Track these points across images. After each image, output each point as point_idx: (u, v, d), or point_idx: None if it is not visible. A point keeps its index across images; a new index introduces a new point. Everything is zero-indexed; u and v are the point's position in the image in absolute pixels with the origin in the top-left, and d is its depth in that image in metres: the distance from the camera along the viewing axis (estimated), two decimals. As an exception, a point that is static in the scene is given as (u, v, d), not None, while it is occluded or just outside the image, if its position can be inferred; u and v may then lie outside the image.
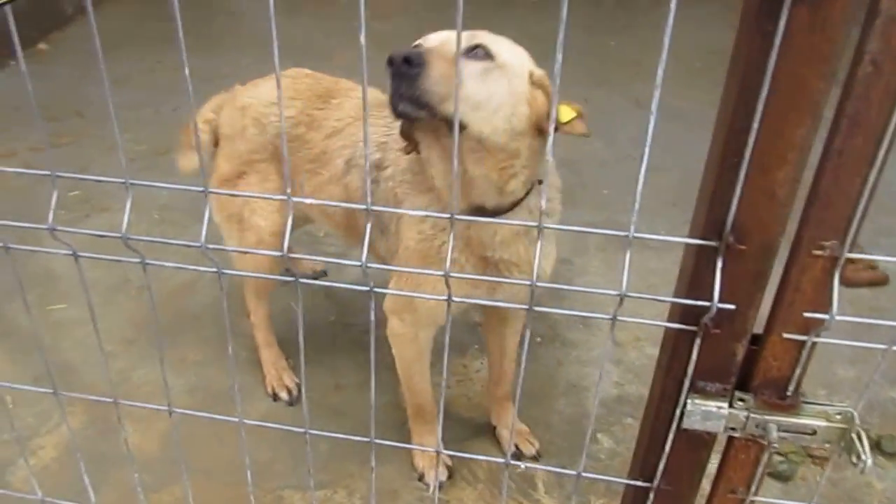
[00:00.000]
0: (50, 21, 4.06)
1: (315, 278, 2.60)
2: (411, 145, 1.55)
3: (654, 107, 0.82)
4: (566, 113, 1.48)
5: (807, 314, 1.00)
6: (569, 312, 1.06)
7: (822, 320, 0.99)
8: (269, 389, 2.18)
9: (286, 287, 2.54)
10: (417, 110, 1.32)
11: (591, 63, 4.04)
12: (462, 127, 1.37)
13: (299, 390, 2.17)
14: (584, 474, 1.28)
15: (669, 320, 1.10)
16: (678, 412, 1.14)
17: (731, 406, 1.12)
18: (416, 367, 1.86)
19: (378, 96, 1.90)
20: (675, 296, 1.11)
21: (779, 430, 1.15)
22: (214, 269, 1.12)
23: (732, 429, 1.17)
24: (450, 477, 1.96)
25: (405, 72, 1.29)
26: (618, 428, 2.11)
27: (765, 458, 1.21)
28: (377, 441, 1.32)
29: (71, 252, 1.10)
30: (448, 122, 1.34)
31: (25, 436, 2.01)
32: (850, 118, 0.89)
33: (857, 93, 0.87)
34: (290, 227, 0.95)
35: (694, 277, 1.01)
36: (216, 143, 2.01)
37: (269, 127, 1.91)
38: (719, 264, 0.97)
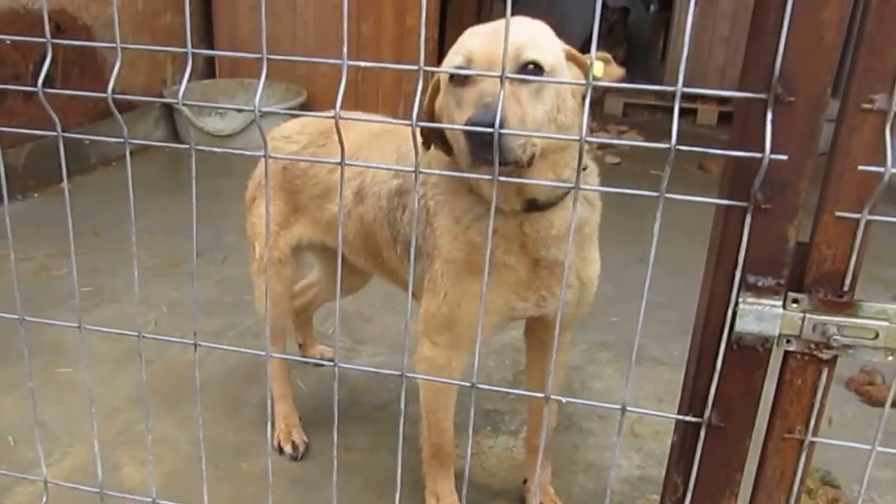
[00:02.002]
0: (75, 165, 4.27)
1: (322, 364, 2.55)
2: (431, 143, 1.53)
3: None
4: (599, 68, 1.44)
5: (862, 168, 1.00)
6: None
7: (878, 174, 0.97)
8: (276, 442, 2.07)
9: (298, 368, 2.50)
10: (503, 166, 1.30)
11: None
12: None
13: (306, 449, 2.10)
14: (629, 409, 1.21)
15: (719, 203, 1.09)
16: (730, 313, 1.10)
17: (784, 308, 1.08)
18: (443, 401, 1.72)
19: (380, 125, 1.91)
20: (724, 168, 1.11)
21: (838, 333, 1.11)
22: (262, 153, 1.15)
23: (787, 341, 1.12)
24: None
25: (487, 139, 1.22)
26: (642, 501, 2.02)
27: (822, 382, 1.15)
28: (408, 375, 1.26)
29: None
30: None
31: (24, 468, 1.93)
32: (893, -57, 0.92)
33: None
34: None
35: (744, 138, 1.02)
36: None
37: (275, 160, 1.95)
38: (769, 117, 0.97)
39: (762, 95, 0.97)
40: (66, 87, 4.09)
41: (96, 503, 1.68)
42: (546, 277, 1.56)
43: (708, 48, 7.00)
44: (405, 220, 1.68)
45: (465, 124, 1.26)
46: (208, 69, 5.58)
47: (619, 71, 1.46)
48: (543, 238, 1.50)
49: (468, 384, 1.18)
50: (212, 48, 5.45)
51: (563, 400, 1.32)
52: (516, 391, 1.88)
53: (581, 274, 1.64)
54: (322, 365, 2.55)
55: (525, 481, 1.99)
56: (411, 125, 0.95)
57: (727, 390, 1.13)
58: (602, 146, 6.16)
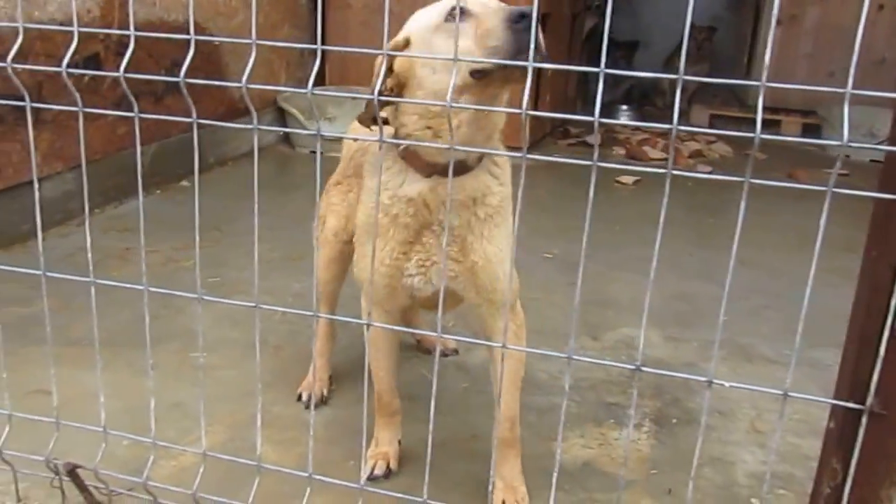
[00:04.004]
0: (193, 165, 4.51)
1: (445, 355, 2.65)
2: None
3: None
4: None
5: None
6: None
7: None
8: (299, 391, 2.36)
9: (420, 358, 2.60)
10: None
11: (690, 233, 4.21)
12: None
13: (320, 401, 2.34)
14: (790, 394, 1.25)
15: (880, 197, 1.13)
16: (894, 303, 1.13)
17: (946, 294, 1.11)
18: (372, 349, 1.95)
19: None
20: (884, 165, 1.15)
21: None
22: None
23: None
24: (387, 477, 2.00)
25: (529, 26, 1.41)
26: (770, 496, 2.01)
27: None
28: (574, 358, 1.33)
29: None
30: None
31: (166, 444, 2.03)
32: None
33: None
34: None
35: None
36: None
37: (351, 147, 2.25)
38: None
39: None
40: (190, 91, 4.31)
41: (237, 480, 1.81)
42: (431, 243, 1.68)
43: (792, 64, 7.17)
44: None
45: (509, 20, 1.45)
46: (318, 78, 5.80)
47: None
48: (451, 202, 1.63)
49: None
50: (323, 60, 5.78)
51: (727, 384, 1.37)
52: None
53: (474, 251, 1.69)
54: (447, 355, 2.65)
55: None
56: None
57: (889, 378, 1.17)
58: (693, 155, 6.16)
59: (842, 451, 1.24)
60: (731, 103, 7.65)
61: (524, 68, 1.20)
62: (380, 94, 1.34)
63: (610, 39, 8.54)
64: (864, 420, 1.20)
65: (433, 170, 1.63)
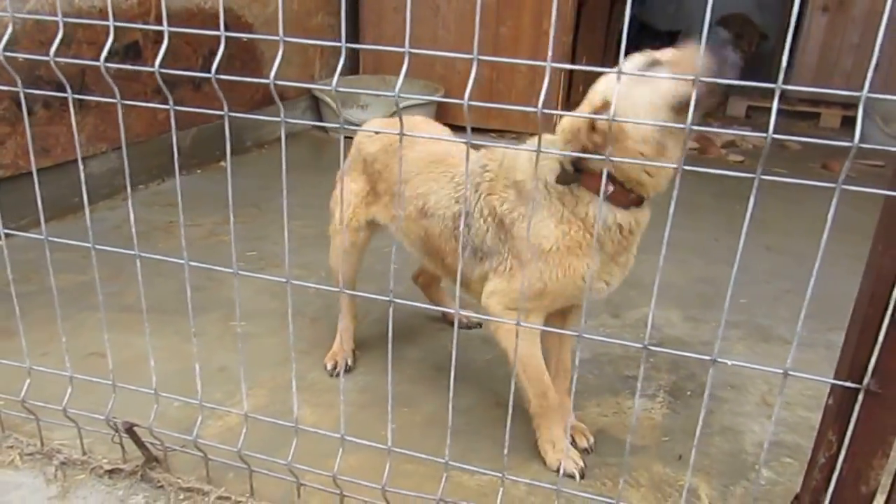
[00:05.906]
0: (232, 147, 4.65)
1: (469, 328, 2.80)
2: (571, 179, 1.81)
3: None
4: None
5: None
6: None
7: None
8: (325, 360, 2.50)
9: (447, 331, 2.73)
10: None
11: (719, 219, 4.29)
12: None
13: (345, 370, 2.46)
14: (791, 373, 1.35)
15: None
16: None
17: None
18: (534, 350, 2.01)
19: (439, 150, 2.19)
20: None
21: None
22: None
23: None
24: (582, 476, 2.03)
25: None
26: (776, 464, 2.12)
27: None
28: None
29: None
30: None
31: (212, 405, 2.18)
32: None
33: None
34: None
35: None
36: None
37: (361, 150, 2.38)
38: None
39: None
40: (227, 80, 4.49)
41: (277, 439, 1.94)
42: (623, 262, 1.95)
43: (836, 54, 6.98)
44: (473, 234, 1.99)
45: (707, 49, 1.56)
46: (353, 66, 5.95)
47: None
48: (643, 227, 1.89)
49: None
50: (357, 50, 5.94)
51: (730, 363, 1.48)
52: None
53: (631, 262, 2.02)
54: (471, 327, 2.79)
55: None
56: (537, 111, 1.24)
57: (887, 361, 1.26)
58: (726, 144, 6.19)
59: (838, 425, 1.35)
60: (769, 94, 7.53)
61: (722, 92, 1.55)
62: (583, 150, 1.71)
63: (652, 28, 8.50)
64: (860, 398, 1.30)
65: (635, 202, 1.82)
